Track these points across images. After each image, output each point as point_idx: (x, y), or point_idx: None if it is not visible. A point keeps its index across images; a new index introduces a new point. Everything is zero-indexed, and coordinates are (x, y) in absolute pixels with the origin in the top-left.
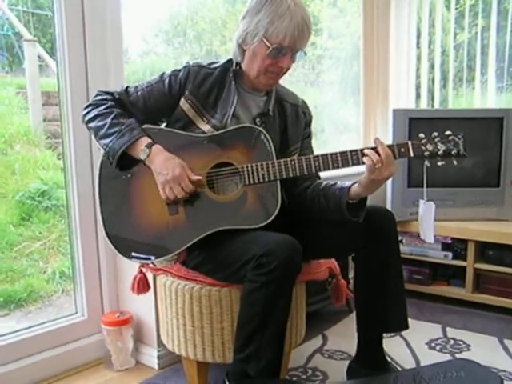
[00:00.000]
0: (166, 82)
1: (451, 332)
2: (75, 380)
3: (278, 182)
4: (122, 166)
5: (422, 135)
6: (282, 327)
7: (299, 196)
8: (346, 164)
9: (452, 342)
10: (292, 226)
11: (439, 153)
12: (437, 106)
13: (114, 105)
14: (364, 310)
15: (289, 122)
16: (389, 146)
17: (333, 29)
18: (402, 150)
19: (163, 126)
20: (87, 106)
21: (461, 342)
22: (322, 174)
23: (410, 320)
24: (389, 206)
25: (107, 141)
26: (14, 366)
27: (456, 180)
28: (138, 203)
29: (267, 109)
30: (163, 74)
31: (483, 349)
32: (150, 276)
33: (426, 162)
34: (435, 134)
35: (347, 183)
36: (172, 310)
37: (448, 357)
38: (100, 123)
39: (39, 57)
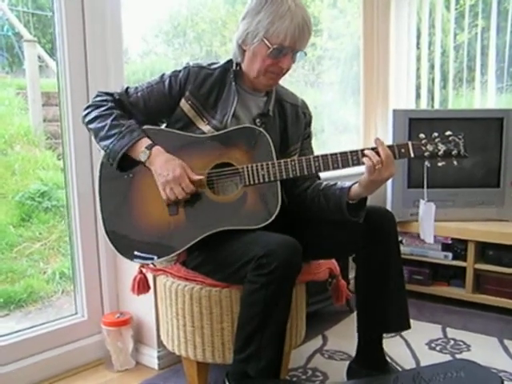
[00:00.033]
0: (166, 82)
1: (451, 332)
2: (75, 380)
3: (279, 183)
4: (123, 167)
5: (422, 135)
6: (282, 327)
7: (299, 196)
8: (346, 164)
9: (452, 342)
10: (292, 227)
11: (439, 153)
12: (437, 106)
13: (114, 106)
14: (364, 310)
15: (289, 123)
16: (389, 147)
17: (333, 29)
18: (403, 150)
19: (163, 126)
20: (87, 107)
21: (461, 343)
22: (322, 175)
23: (410, 320)
24: (389, 207)
25: (107, 142)
26: (15, 366)
27: (456, 180)
28: (139, 203)
29: (267, 109)
30: (163, 74)
31: (483, 349)
32: (150, 276)
33: (427, 163)
34: (435, 134)
35: (347, 183)
36: (172, 311)
37: (448, 357)
38: (100, 124)
39: (39, 57)
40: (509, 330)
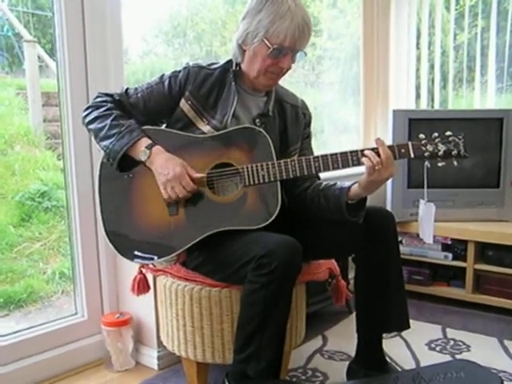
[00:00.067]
0: (166, 83)
1: (451, 333)
2: (75, 380)
3: (278, 183)
4: (123, 167)
5: (422, 136)
6: (282, 328)
7: (299, 196)
8: (346, 165)
9: (452, 342)
10: (292, 227)
11: (439, 153)
12: (437, 106)
13: (113, 106)
14: (364, 310)
15: (288, 123)
16: (389, 147)
17: (333, 29)
18: (403, 150)
19: (163, 126)
20: (87, 108)
21: (461, 343)
22: (322, 175)
23: (410, 321)
24: (389, 207)
25: (107, 142)
26: (15, 366)
27: (456, 181)
28: (139, 204)
29: (267, 109)
30: (163, 75)
31: (483, 349)
32: (149, 277)
33: (427, 163)
34: (435, 134)
35: (347, 183)
36: (172, 311)
37: (448, 357)
38: (100, 125)
39: (39, 57)
40: (509, 330)
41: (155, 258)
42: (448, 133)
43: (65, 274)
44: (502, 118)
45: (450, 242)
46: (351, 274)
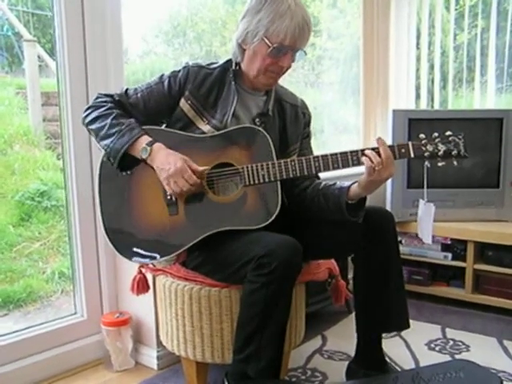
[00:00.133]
0: (166, 83)
1: (451, 333)
2: (75, 380)
3: (279, 183)
4: (123, 166)
5: (422, 136)
6: (282, 328)
7: (299, 196)
8: (346, 165)
9: (451, 342)
10: (292, 227)
11: (439, 153)
12: (436, 106)
13: (113, 106)
14: (364, 310)
15: (288, 122)
16: (389, 147)
17: (333, 29)
18: (403, 150)
19: (163, 126)
20: (87, 109)
21: (460, 343)
22: (322, 175)
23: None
24: (388, 207)
25: (108, 141)
26: (14, 366)
27: (456, 181)
28: (139, 203)
29: (267, 109)
30: (162, 75)
31: (483, 349)
32: (149, 276)
33: (427, 163)
34: (436, 134)
35: (346, 183)
36: (171, 311)
37: (447, 357)
38: (100, 124)
39: (39, 57)
40: (508, 330)
41: (155, 257)
42: (448, 133)
43: (64, 273)
44: (502, 118)
45: (449, 242)
46: (351, 274)
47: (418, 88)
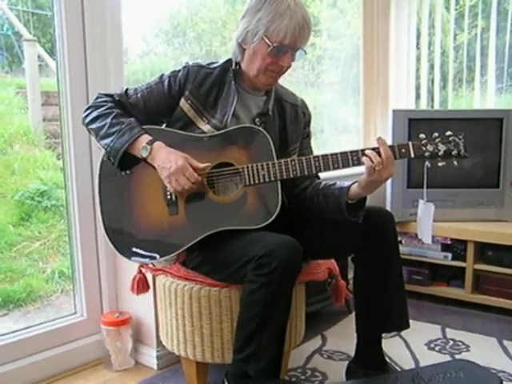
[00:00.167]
0: (166, 83)
1: (450, 333)
2: (74, 380)
3: (279, 183)
4: (123, 166)
5: (422, 136)
6: (282, 328)
7: (299, 196)
8: (346, 164)
9: (451, 342)
10: (292, 227)
11: (440, 153)
12: (436, 106)
13: (113, 106)
14: (364, 310)
15: (288, 122)
16: (389, 147)
17: (333, 29)
18: (403, 150)
19: (163, 126)
20: (87, 109)
21: (460, 343)
22: (322, 175)
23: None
24: (388, 207)
25: (108, 140)
26: (13, 365)
27: (456, 181)
28: (139, 203)
29: (267, 108)
30: (162, 75)
31: (482, 349)
32: (149, 276)
33: (427, 163)
34: (436, 134)
35: (346, 183)
36: (171, 311)
37: (447, 357)
38: (100, 124)
39: (39, 56)
40: (508, 330)
41: (154, 257)
42: (448, 133)
43: (64, 273)
44: (502, 118)
45: (449, 242)
46: (351, 274)
47: (418, 88)
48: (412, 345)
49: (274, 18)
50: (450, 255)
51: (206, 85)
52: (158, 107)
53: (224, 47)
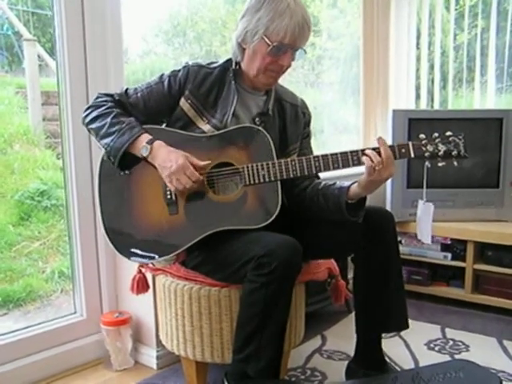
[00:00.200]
0: (166, 82)
1: (450, 333)
2: (74, 380)
3: (279, 183)
4: (123, 165)
5: (422, 136)
6: (282, 327)
7: (298, 196)
8: (346, 164)
9: (451, 342)
10: (292, 227)
11: (440, 154)
12: (436, 106)
13: (113, 105)
14: (363, 310)
15: (288, 122)
16: (390, 147)
17: (333, 29)
18: (403, 150)
19: (163, 126)
20: (87, 108)
21: (460, 343)
22: (322, 175)
23: (409, 320)
24: (388, 207)
25: (108, 140)
26: (13, 365)
27: (455, 181)
28: (139, 202)
29: (267, 108)
30: (162, 75)
31: (482, 349)
32: (149, 276)
33: (427, 163)
34: (436, 134)
35: (346, 183)
36: (171, 311)
37: (447, 357)
38: (100, 123)
39: (39, 56)
40: (508, 330)
41: (154, 257)
42: (448, 133)
43: (64, 273)
44: (502, 118)
45: (449, 242)
46: (351, 274)
47: (418, 88)
48: (412, 345)
49: (273, 17)
50: (449, 255)
51: (206, 84)
52: (157, 107)
53: (224, 47)
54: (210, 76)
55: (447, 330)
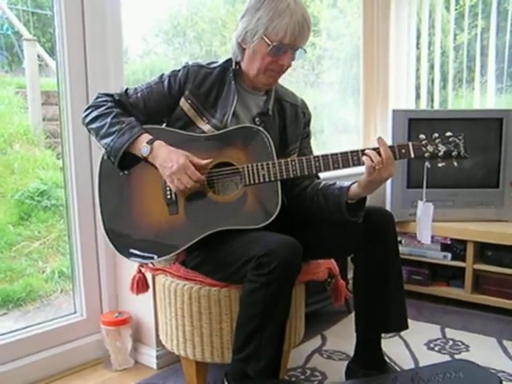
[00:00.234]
0: (166, 82)
1: (450, 333)
2: (74, 380)
3: (279, 183)
4: (123, 165)
5: (422, 136)
6: (282, 327)
7: (298, 196)
8: (346, 164)
9: (451, 342)
10: (292, 227)
11: (440, 154)
12: (436, 106)
13: (113, 105)
14: (363, 310)
15: (288, 122)
16: (390, 147)
17: (333, 29)
18: (403, 151)
19: (163, 126)
20: (87, 108)
21: (460, 343)
22: (322, 175)
23: (409, 320)
24: (388, 207)
25: (108, 140)
26: (13, 365)
27: (455, 181)
28: (139, 202)
29: (267, 108)
30: (162, 75)
31: (482, 349)
32: (149, 276)
33: (427, 163)
34: (436, 135)
35: (346, 183)
36: (171, 310)
37: (447, 357)
38: (100, 123)
39: (39, 56)
40: (508, 330)
41: (154, 257)
42: (448, 133)
43: (64, 272)
44: (502, 118)
45: (449, 242)
46: (351, 274)
47: (417, 88)
48: (412, 345)
49: (273, 17)
50: (449, 255)
51: (206, 84)
52: (158, 107)
53: (224, 47)
54: (209, 76)
55: (447, 329)
